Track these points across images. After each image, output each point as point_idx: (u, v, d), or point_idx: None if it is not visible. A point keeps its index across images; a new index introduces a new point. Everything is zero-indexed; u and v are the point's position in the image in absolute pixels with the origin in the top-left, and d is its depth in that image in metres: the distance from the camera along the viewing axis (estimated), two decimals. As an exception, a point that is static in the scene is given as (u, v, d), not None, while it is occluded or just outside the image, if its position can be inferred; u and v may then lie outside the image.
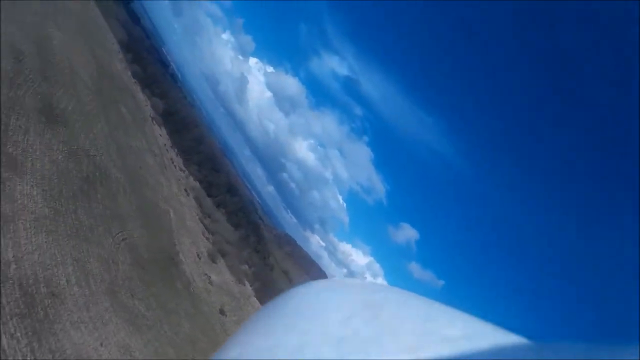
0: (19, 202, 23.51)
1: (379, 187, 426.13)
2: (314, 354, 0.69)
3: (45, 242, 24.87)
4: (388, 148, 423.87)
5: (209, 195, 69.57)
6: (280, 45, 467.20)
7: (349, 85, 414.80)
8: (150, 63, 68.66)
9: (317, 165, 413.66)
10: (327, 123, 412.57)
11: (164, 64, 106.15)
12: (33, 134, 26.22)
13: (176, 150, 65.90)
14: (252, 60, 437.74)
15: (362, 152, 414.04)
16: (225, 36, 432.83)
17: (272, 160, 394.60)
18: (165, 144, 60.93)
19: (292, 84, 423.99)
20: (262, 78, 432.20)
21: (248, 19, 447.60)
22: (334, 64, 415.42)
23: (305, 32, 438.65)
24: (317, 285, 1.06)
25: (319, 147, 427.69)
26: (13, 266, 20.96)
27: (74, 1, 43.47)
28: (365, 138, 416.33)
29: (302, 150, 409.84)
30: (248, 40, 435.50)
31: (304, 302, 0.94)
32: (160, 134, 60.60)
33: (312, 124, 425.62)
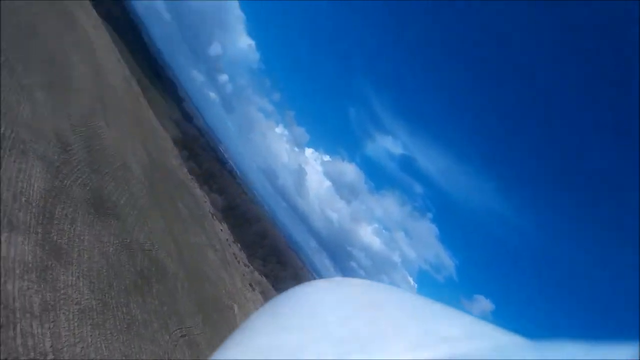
0: (62, 291, 22.06)
1: (448, 263, 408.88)
2: (314, 353, 0.69)
3: (91, 335, 22.89)
4: (452, 221, 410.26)
5: (275, 289, 67.07)
6: (333, 132, 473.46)
7: (406, 164, 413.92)
8: (207, 160, 71.62)
9: (383, 249, 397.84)
10: (389, 205, 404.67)
11: (221, 160, 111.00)
12: (81, 224, 25.65)
13: (239, 245, 65.38)
14: (308, 151, 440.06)
15: (427, 230, 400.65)
16: (279, 130, 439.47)
17: (339, 249, 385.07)
18: (227, 239, 60.32)
19: (349, 170, 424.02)
20: (319, 168, 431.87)
21: (298, 110, 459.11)
22: (388, 144, 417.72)
23: (355, 116, 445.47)
24: (317, 285, 1.02)
25: (383, 230, 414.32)
26: (50, 357, 18.99)
27: (124, 98, 46.21)
28: (429, 215, 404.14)
29: (367, 235, 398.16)
30: (302, 132, 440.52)
31: (304, 302, 0.92)
32: (221, 229, 60.39)
33: (374, 207, 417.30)
